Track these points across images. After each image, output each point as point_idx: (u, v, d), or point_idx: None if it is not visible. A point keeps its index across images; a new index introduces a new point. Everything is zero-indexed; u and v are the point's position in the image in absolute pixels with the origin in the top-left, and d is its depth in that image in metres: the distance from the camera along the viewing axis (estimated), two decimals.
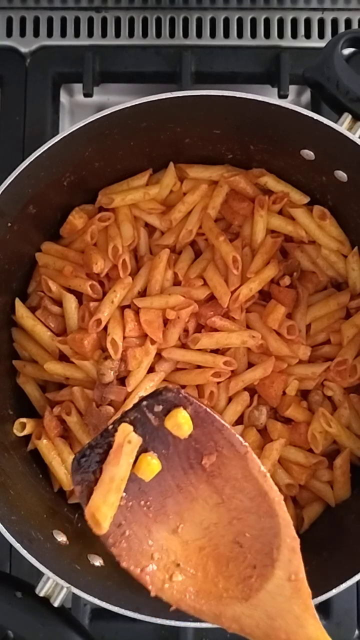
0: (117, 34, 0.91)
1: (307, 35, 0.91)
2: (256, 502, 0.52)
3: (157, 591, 0.52)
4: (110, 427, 0.52)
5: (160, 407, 0.52)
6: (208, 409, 0.53)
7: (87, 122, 0.67)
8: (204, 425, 0.53)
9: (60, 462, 0.75)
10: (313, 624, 0.50)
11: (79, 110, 0.92)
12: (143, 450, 0.53)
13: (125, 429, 0.52)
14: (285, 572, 0.51)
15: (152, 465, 0.52)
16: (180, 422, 0.52)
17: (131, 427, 0.52)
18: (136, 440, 0.52)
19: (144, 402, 0.53)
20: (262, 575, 0.51)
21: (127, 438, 0.51)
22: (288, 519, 0.52)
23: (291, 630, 0.50)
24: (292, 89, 0.88)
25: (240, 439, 0.53)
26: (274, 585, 0.51)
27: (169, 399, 0.52)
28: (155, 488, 0.53)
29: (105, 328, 0.75)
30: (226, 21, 0.91)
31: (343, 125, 0.68)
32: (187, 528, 0.53)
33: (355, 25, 0.91)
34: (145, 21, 0.91)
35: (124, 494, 0.52)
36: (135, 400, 0.73)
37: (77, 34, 0.91)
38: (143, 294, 0.78)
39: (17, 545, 0.65)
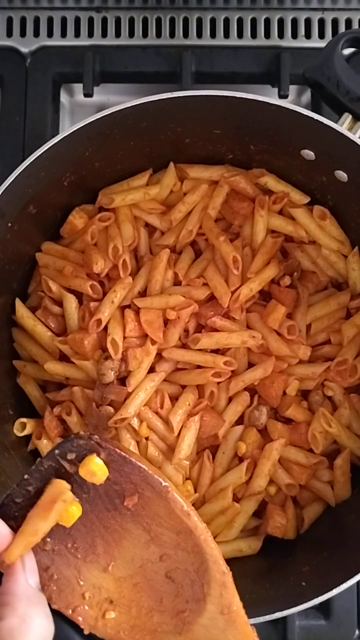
0: (118, 34, 0.91)
1: (308, 35, 0.91)
2: (182, 538, 0.53)
3: (91, 629, 0.54)
4: (26, 476, 0.53)
5: (73, 454, 0.52)
6: (122, 453, 0.52)
7: (87, 122, 0.67)
8: (120, 468, 0.53)
9: None
10: None
11: (79, 110, 0.92)
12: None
13: (61, 486, 0.52)
14: (218, 606, 0.52)
15: (71, 512, 0.52)
16: (93, 470, 0.52)
17: (68, 486, 0.52)
18: (71, 498, 0.52)
19: (56, 451, 0.53)
20: (194, 609, 0.53)
21: (63, 497, 0.51)
22: (216, 555, 0.53)
23: None
24: (293, 89, 0.88)
25: (160, 479, 0.53)
26: (207, 619, 0.52)
27: (81, 445, 0.52)
28: (81, 530, 0.54)
29: (106, 328, 0.75)
30: (226, 21, 0.91)
31: (343, 126, 0.68)
32: (119, 565, 0.54)
33: (355, 25, 0.91)
34: (145, 21, 0.91)
35: (49, 539, 0.53)
36: (137, 400, 0.73)
37: (77, 34, 0.91)
38: (143, 294, 0.78)
39: None
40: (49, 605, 0.52)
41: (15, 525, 0.52)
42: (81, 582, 0.54)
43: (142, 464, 0.53)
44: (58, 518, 0.52)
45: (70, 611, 0.54)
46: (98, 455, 0.52)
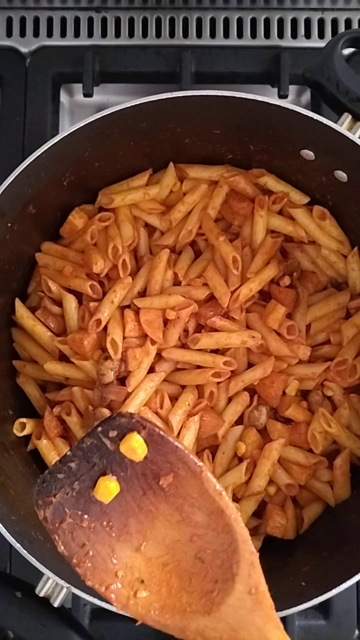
0: (117, 34, 0.91)
1: (307, 35, 0.91)
2: (214, 518, 0.54)
3: (123, 607, 0.55)
4: (69, 453, 0.55)
5: (115, 432, 0.54)
6: (161, 432, 0.54)
7: (87, 122, 0.67)
8: (159, 447, 0.54)
9: None
10: (276, 635, 0.52)
11: (79, 110, 0.92)
12: (102, 473, 0.55)
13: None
14: (246, 585, 0.53)
15: (110, 488, 0.54)
16: (134, 447, 0.54)
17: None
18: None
19: (99, 428, 0.55)
20: (223, 589, 0.53)
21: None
22: (245, 535, 0.54)
23: None
24: (292, 89, 0.89)
25: (195, 459, 0.54)
26: (235, 599, 0.53)
27: (123, 424, 0.54)
28: (116, 509, 0.55)
29: (105, 328, 0.75)
30: (226, 21, 0.91)
31: (343, 126, 0.68)
32: (150, 546, 0.55)
33: (355, 25, 0.91)
34: (145, 21, 0.91)
35: (86, 515, 0.55)
36: (137, 400, 0.73)
37: (77, 34, 0.91)
38: (143, 294, 0.78)
39: (17, 546, 0.65)
40: (83, 582, 0.54)
41: (55, 500, 0.54)
42: (114, 561, 0.55)
43: (179, 445, 0.55)
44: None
45: (103, 588, 0.55)
46: (139, 433, 0.54)
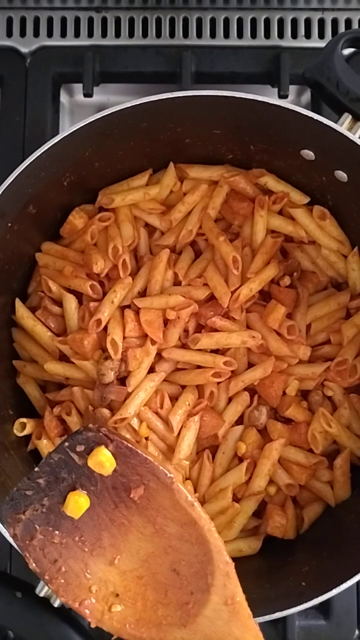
0: (117, 34, 0.91)
1: (307, 36, 0.91)
2: (187, 530, 0.54)
3: (97, 622, 0.55)
4: (37, 469, 0.54)
5: (82, 446, 0.54)
6: (129, 445, 0.54)
7: (87, 122, 0.67)
8: (127, 460, 0.54)
9: None
10: None
11: (79, 110, 0.92)
12: (71, 488, 0.55)
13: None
14: (221, 596, 0.53)
15: (79, 503, 0.54)
16: (102, 461, 0.53)
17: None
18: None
19: (66, 443, 0.54)
20: (199, 601, 0.53)
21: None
22: (219, 545, 0.53)
23: None
24: (292, 89, 0.89)
25: (165, 470, 0.54)
26: (211, 610, 0.53)
27: (90, 438, 0.54)
28: (88, 523, 0.55)
29: (106, 328, 0.75)
30: (226, 21, 0.91)
31: (343, 126, 0.68)
32: (125, 559, 0.55)
33: (355, 25, 0.91)
34: (145, 21, 0.91)
35: (57, 531, 0.54)
36: (137, 400, 0.73)
37: (77, 34, 0.91)
38: (143, 294, 0.78)
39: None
40: (57, 598, 0.54)
41: (24, 517, 0.54)
42: (88, 576, 0.55)
43: (148, 457, 0.54)
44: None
45: (77, 604, 0.55)
46: (106, 447, 0.54)
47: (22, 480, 0.55)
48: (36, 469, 0.54)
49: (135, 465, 0.54)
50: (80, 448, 0.54)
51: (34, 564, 0.55)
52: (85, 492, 0.54)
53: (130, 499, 0.54)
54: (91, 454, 0.54)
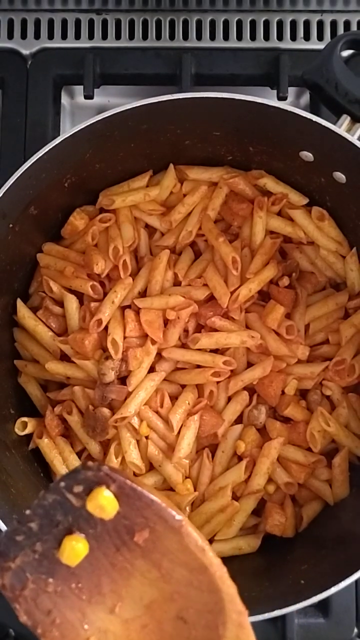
0: (118, 36, 0.91)
1: (306, 38, 0.91)
2: (196, 575, 0.49)
3: None
4: (28, 512, 0.48)
5: (81, 487, 0.48)
6: (134, 485, 0.48)
7: (88, 124, 0.67)
8: (131, 501, 0.48)
9: (61, 461, 0.76)
10: None
11: (79, 112, 0.92)
12: (67, 531, 0.48)
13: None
14: None
15: (77, 549, 0.48)
16: (103, 504, 0.47)
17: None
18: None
19: (62, 483, 0.48)
20: None
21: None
22: (232, 593, 0.48)
23: None
24: (292, 90, 0.89)
25: (173, 512, 0.48)
26: None
27: (89, 477, 0.48)
28: (86, 568, 0.49)
29: (106, 328, 0.75)
30: (226, 23, 0.91)
31: (342, 127, 0.69)
32: (126, 606, 0.50)
33: (354, 27, 0.91)
34: (145, 23, 0.91)
35: (51, 579, 0.49)
36: (137, 399, 0.74)
37: (77, 36, 0.91)
38: (143, 294, 0.78)
39: None
40: None
41: (14, 565, 0.48)
42: (86, 626, 0.50)
43: (154, 497, 0.49)
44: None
45: None
46: (108, 487, 0.48)
47: (11, 524, 0.49)
48: (27, 511, 0.48)
49: (140, 508, 0.48)
50: (78, 489, 0.48)
51: (25, 617, 0.49)
52: (84, 535, 0.48)
53: (133, 542, 0.49)
54: (90, 495, 0.47)
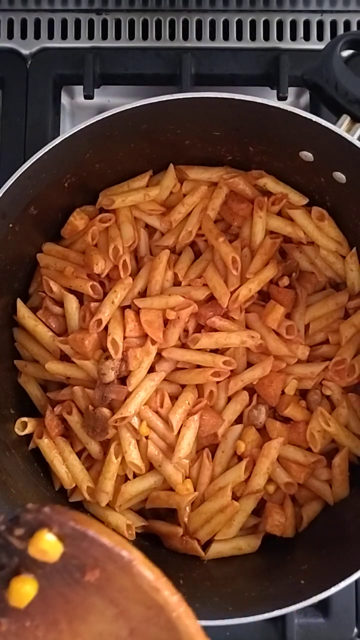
0: (118, 36, 0.91)
1: (306, 38, 0.91)
2: (154, 612, 0.47)
3: None
4: None
5: (22, 529, 0.46)
6: (77, 526, 0.46)
7: (87, 123, 0.67)
8: (77, 542, 0.46)
9: (61, 461, 0.76)
10: None
11: (79, 112, 0.92)
12: (14, 572, 0.46)
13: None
14: None
15: (24, 591, 0.46)
16: (44, 548, 0.45)
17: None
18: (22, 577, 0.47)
19: (2, 527, 0.46)
20: None
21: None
22: (192, 632, 0.47)
23: None
24: (291, 90, 0.89)
25: (123, 552, 0.46)
26: None
27: (30, 520, 0.46)
28: (39, 606, 0.47)
29: (106, 328, 0.75)
30: (226, 23, 0.91)
31: (342, 127, 0.69)
32: None
33: (354, 27, 0.91)
34: (145, 23, 0.91)
35: (3, 619, 0.47)
36: (137, 399, 0.74)
37: (77, 36, 0.91)
38: (143, 294, 0.78)
39: None
40: None
41: None
42: None
43: (101, 538, 0.46)
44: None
45: None
46: (50, 530, 0.45)
47: None
48: None
49: (86, 549, 0.46)
50: (19, 532, 0.45)
51: None
52: (32, 575, 0.46)
53: (85, 580, 0.47)
54: (32, 539, 0.45)
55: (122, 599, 0.47)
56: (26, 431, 0.76)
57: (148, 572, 0.47)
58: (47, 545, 0.45)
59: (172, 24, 0.91)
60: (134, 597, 0.47)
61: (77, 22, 0.92)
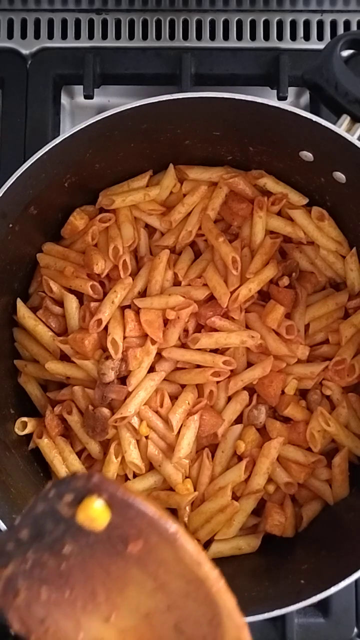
0: (118, 36, 0.91)
1: (306, 37, 0.91)
2: (193, 588, 0.47)
3: None
4: (17, 521, 0.47)
5: (71, 496, 0.46)
6: (125, 495, 0.46)
7: (87, 123, 0.67)
8: (123, 512, 0.46)
9: (61, 460, 0.76)
10: None
11: (79, 112, 0.92)
12: (59, 540, 0.47)
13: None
14: None
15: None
16: (93, 515, 0.45)
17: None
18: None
19: (51, 493, 0.46)
20: None
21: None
22: (230, 607, 0.47)
23: None
24: (291, 90, 0.89)
25: (168, 523, 0.46)
26: None
27: (79, 487, 0.46)
28: (79, 577, 0.48)
29: (106, 328, 0.75)
30: (226, 23, 0.91)
31: (342, 127, 0.69)
32: (122, 615, 0.49)
33: (354, 27, 0.91)
34: (145, 23, 0.91)
35: (44, 586, 0.48)
36: (137, 399, 0.74)
37: (77, 36, 0.91)
38: (143, 294, 0.78)
39: None
40: None
41: (5, 574, 0.47)
42: (81, 635, 0.49)
43: (148, 507, 0.47)
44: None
45: None
46: (99, 497, 0.46)
47: (2, 533, 0.49)
48: (17, 521, 0.47)
49: (132, 518, 0.46)
50: (68, 498, 0.46)
51: (18, 625, 0.48)
52: (77, 544, 0.46)
53: (127, 551, 0.47)
54: (81, 505, 0.45)
55: (162, 572, 0.47)
56: (26, 431, 0.76)
57: (191, 545, 0.47)
58: (96, 512, 0.46)
59: (172, 23, 0.91)
60: (174, 571, 0.47)
61: (77, 22, 0.92)
